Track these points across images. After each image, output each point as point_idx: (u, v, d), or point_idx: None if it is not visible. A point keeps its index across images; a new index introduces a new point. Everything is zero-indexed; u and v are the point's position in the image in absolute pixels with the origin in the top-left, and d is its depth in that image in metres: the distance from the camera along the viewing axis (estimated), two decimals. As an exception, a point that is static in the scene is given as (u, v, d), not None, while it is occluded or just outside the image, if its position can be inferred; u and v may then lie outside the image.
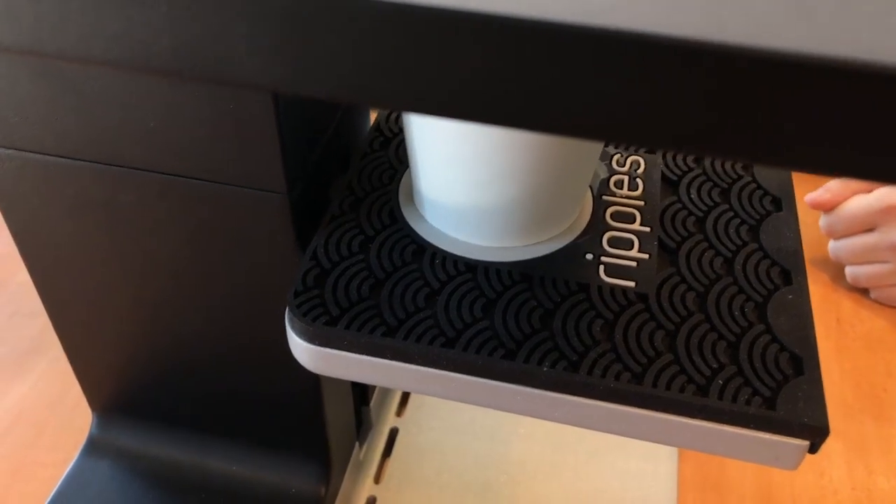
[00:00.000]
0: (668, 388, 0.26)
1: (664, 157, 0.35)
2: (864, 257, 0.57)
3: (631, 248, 0.31)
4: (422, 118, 0.28)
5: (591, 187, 0.33)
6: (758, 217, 0.32)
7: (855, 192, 0.56)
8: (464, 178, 0.29)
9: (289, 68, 0.14)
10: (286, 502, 0.40)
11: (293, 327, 0.28)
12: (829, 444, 0.51)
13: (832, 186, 0.58)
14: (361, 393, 0.46)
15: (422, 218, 0.32)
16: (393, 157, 0.35)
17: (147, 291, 0.35)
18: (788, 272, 0.30)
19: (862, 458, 0.50)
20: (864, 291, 0.60)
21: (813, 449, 0.26)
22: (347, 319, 0.28)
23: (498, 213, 0.30)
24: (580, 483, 0.47)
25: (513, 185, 0.28)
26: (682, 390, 0.26)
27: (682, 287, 0.29)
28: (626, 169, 0.34)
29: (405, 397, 0.52)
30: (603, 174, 0.34)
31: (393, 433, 0.50)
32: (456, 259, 0.30)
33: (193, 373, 0.38)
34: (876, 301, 0.59)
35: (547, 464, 0.48)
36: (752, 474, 0.49)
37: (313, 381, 0.36)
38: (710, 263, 0.30)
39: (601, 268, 0.30)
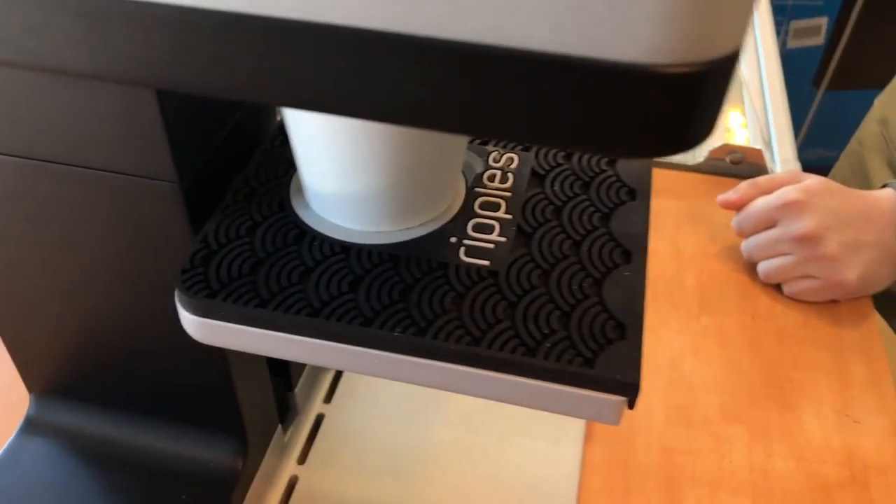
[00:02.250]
0: (500, 349, 0.29)
1: (536, 154, 0.39)
2: (769, 251, 0.60)
3: (491, 232, 0.34)
4: (294, 115, 0.32)
5: (466, 179, 0.37)
6: (611, 206, 0.36)
7: (762, 192, 0.60)
8: (333, 169, 0.32)
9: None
10: (206, 476, 0.44)
11: (180, 301, 0.32)
12: (733, 430, 0.54)
13: (741, 188, 0.61)
14: (285, 379, 0.49)
15: (308, 207, 0.35)
16: (290, 154, 0.38)
17: (67, 277, 0.38)
18: (629, 253, 0.33)
19: (762, 443, 0.53)
20: (778, 288, 0.63)
21: (630, 405, 0.29)
22: (225, 293, 0.31)
23: (368, 200, 0.33)
24: (490, 464, 0.50)
25: (375, 174, 0.32)
26: (512, 351, 0.29)
27: (530, 266, 0.33)
28: (500, 164, 0.38)
29: (333, 385, 0.55)
30: (479, 169, 0.38)
31: (319, 419, 0.53)
32: (333, 242, 0.34)
33: (114, 354, 0.41)
34: (789, 296, 0.62)
35: (460, 447, 0.51)
36: (656, 457, 0.52)
37: (221, 362, 0.39)
38: (560, 246, 0.34)
39: (462, 249, 0.34)
